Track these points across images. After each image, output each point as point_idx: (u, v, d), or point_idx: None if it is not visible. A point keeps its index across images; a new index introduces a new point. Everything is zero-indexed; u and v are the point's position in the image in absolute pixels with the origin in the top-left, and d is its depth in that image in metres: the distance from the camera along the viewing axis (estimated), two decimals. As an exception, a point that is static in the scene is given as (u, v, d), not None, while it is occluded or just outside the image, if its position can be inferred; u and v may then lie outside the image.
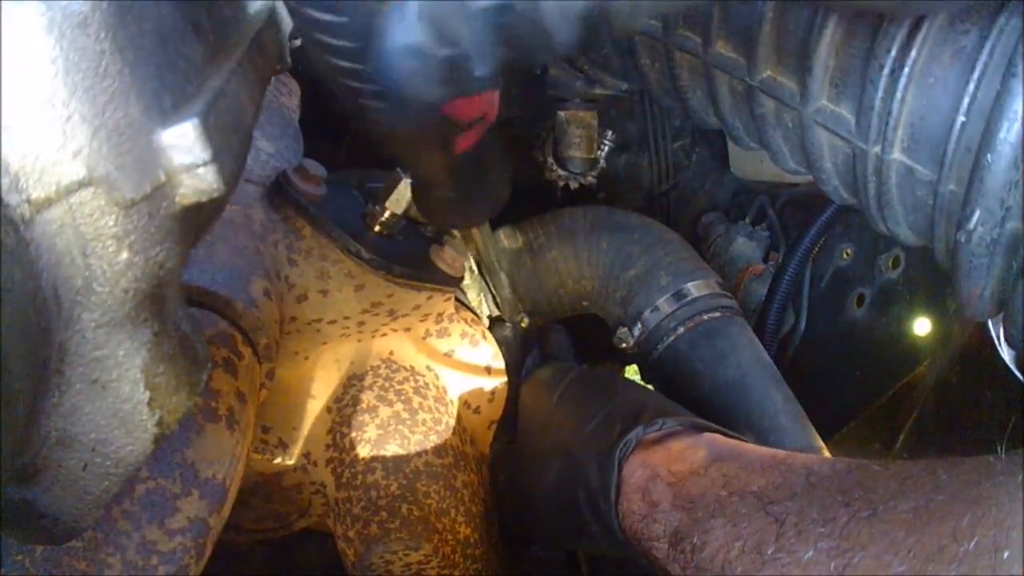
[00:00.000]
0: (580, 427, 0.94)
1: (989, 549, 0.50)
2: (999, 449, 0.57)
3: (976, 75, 0.58)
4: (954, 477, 0.57)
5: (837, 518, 0.61)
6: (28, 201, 0.30)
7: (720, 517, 0.72)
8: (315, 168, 0.94)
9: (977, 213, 0.57)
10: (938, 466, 0.59)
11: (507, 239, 1.38)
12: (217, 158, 0.34)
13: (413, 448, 1.01)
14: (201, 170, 0.34)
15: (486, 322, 1.27)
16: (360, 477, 0.99)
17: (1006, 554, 0.49)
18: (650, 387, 1.04)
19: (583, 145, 1.13)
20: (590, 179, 1.18)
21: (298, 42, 0.87)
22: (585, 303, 1.38)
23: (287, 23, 0.66)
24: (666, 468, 0.82)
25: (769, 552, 0.65)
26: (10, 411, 0.29)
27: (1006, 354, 0.89)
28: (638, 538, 0.81)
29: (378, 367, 1.05)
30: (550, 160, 1.17)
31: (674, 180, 1.73)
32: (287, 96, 1.15)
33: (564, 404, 1.02)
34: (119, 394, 0.37)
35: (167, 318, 0.39)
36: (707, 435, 0.86)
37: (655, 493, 0.80)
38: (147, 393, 0.38)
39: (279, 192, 0.92)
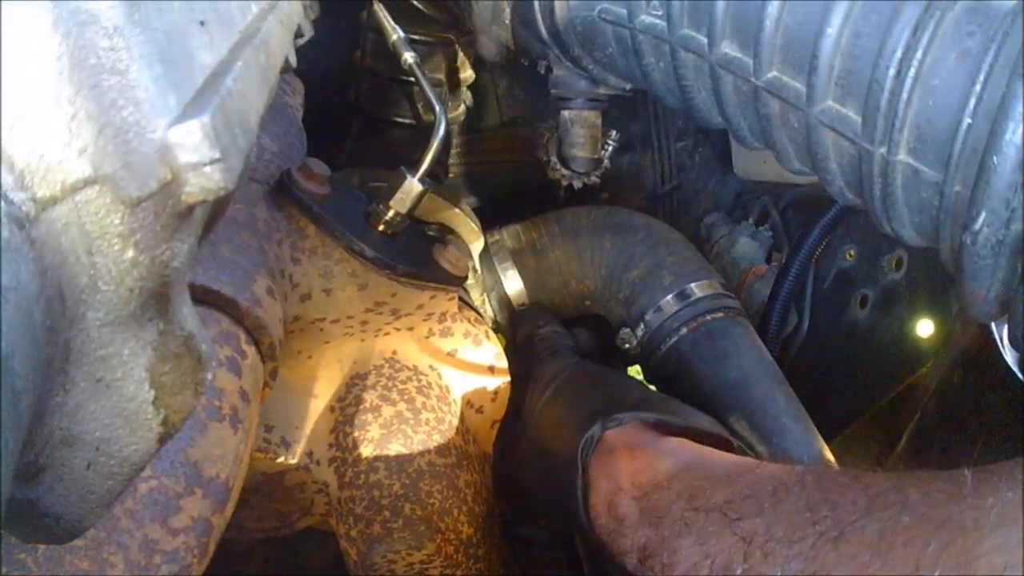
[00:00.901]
0: (561, 427, 0.95)
1: None
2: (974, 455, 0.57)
3: (982, 77, 0.58)
4: (922, 497, 0.56)
5: (804, 538, 0.61)
6: (33, 199, 0.30)
7: (688, 536, 0.72)
8: (319, 167, 0.94)
9: (983, 215, 0.57)
10: (908, 483, 0.59)
11: (510, 239, 1.38)
12: (224, 157, 0.34)
13: (416, 448, 1.01)
14: (208, 168, 0.34)
15: (489, 322, 1.27)
16: (363, 476, 0.99)
17: None
18: (641, 381, 1.03)
19: (587, 145, 1.12)
20: (594, 179, 1.18)
21: (302, 41, 0.87)
22: (588, 303, 1.38)
23: (292, 22, 0.66)
24: (629, 480, 0.82)
25: (738, 572, 0.65)
26: (14, 410, 0.29)
27: (1009, 356, 0.89)
28: (609, 550, 0.81)
29: (381, 366, 1.05)
30: (554, 160, 1.17)
31: (677, 180, 1.73)
32: (291, 95, 1.15)
33: (552, 401, 1.02)
34: (124, 393, 0.37)
35: (173, 317, 0.39)
36: (673, 441, 0.86)
37: (621, 507, 0.81)
38: (152, 392, 0.38)
39: (283, 191, 0.92)
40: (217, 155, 0.34)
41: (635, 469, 0.82)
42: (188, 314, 0.41)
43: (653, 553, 0.74)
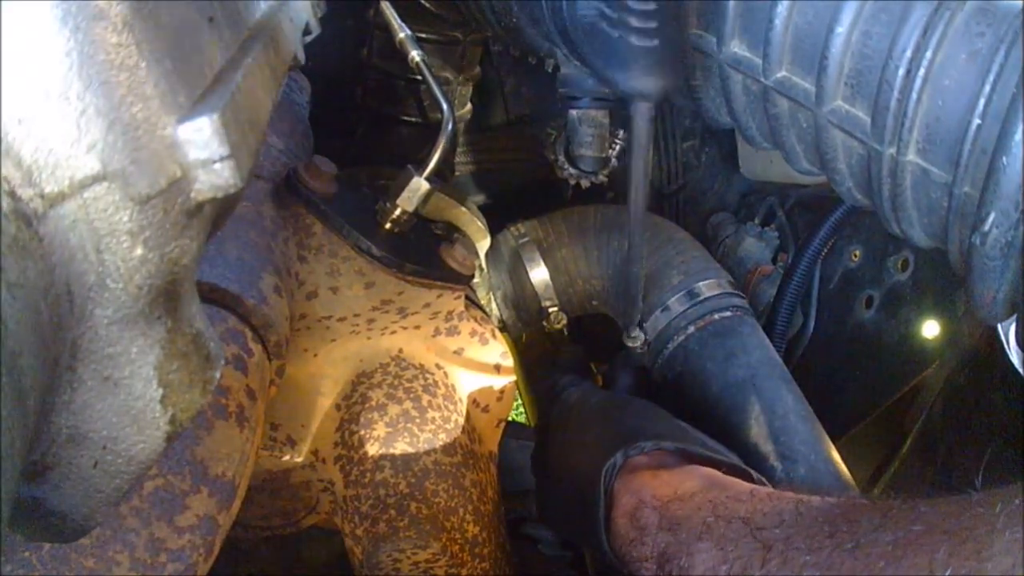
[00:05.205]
0: (588, 448, 0.95)
1: None
2: (981, 477, 0.58)
3: (992, 77, 0.57)
4: (933, 509, 0.57)
5: (822, 548, 0.62)
6: (41, 196, 0.30)
7: (707, 540, 0.72)
8: (326, 165, 0.94)
9: (992, 216, 0.57)
10: (919, 501, 0.60)
11: (517, 238, 1.37)
12: (234, 154, 0.34)
13: (422, 446, 1.01)
14: (218, 165, 0.33)
15: (495, 320, 1.27)
16: (369, 475, 0.99)
17: None
18: (661, 409, 1.05)
19: (595, 144, 1.12)
20: (601, 178, 1.18)
21: (310, 38, 0.87)
22: (595, 302, 1.38)
23: (300, 19, 0.65)
24: (651, 494, 0.83)
25: None
26: (21, 407, 0.29)
27: (1015, 357, 0.89)
28: (626, 560, 0.82)
29: (387, 365, 1.05)
30: (561, 159, 1.17)
31: (683, 180, 1.72)
32: (298, 92, 1.15)
33: (581, 428, 1.03)
34: (131, 391, 0.37)
35: (181, 315, 0.38)
36: (698, 468, 0.87)
37: (642, 518, 0.81)
38: (160, 391, 0.38)
39: (290, 189, 0.92)
40: (227, 152, 0.34)
41: (657, 485, 0.83)
42: (196, 312, 0.41)
43: (672, 557, 0.75)
